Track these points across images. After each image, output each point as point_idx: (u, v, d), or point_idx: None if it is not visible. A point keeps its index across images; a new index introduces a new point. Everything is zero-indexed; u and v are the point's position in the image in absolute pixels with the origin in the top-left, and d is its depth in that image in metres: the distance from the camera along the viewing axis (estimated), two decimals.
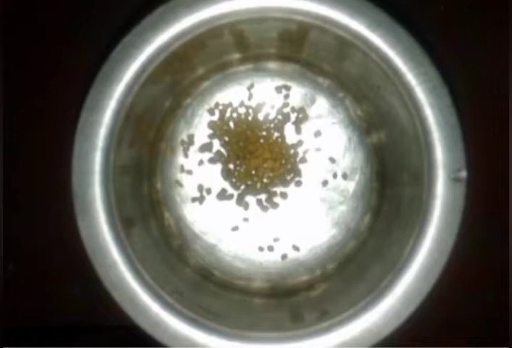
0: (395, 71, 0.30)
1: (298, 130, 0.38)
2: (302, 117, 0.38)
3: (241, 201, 0.38)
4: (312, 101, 0.38)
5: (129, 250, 0.31)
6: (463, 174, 0.29)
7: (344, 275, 0.36)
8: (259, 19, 0.33)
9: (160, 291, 0.31)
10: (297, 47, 0.35)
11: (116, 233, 0.31)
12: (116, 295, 0.30)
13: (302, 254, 0.38)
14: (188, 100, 0.38)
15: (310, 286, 0.37)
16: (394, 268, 0.30)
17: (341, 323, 0.31)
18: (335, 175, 0.38)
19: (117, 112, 0.32)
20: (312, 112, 0.38)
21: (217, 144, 0.38)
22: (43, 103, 0.39)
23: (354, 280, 0.35)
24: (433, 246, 0.30)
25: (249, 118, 0.38)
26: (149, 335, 0.30)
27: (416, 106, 0.31)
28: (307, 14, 0.31)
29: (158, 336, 0.30)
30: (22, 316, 0.37)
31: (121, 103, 0.32)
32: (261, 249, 0.38)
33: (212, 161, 0.38)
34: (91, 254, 0.30)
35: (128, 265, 0.31)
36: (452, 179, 0.29)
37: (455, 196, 0.30)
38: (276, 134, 0.38)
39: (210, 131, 0.38)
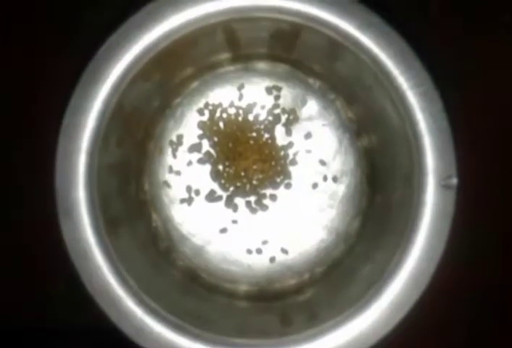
0: (386, 73, 0.30)
1: (288, 132, 0.37)
2: (292, 118, 0.37)
3: (230, 202, 0.38)
4: (303, 102, 0.37)
5: (113, 254, 0.30)
6: (454, 181, 0.29)
7: (333, 279, 0.36)
8: (250, 18, 0.32)
9: (144, 296, 0.30)
10: (288, 47, 0.35)
11: (100, 237, 0.30)
12: (99, 299, 0.30)
13: (291, 257, 0.37)
14: (178, 100, 0.38)
15: (298, 289, 0.37)
16: (383, 274, 0.30)
17: (329, 330, 0.31)
18: (325, 178, 0.37)
19: (103, 113, 0.31)
20: (302, 113, 0.37)
21: (206, 145, 0.38)
22: (28, 104, 0.38)
23: (342, 284, 0.34)
24: (422, 253, 0.30)
25: (239, 119, 0.37)
26: (132, 340, 0.30)
27: (407, 109, 0.30)
28: (297, 14, 0.31)
29: (142, 341, 0.30)
30: (1, 318, 0.37)
31: (106, 103, 0.31)
32: (249, 251, 0.37)
33: (201, 162, 0.38)
34: (74, 257, 0.30)
35: (111, 269, 0.30)
36: (443, 186, 0.29)
37: (445, 203, 0.29)
38: (266, 135, 0.37)
39: (200, 132, 0.38)
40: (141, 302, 0.30)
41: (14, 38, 0.38)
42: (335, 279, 0.36)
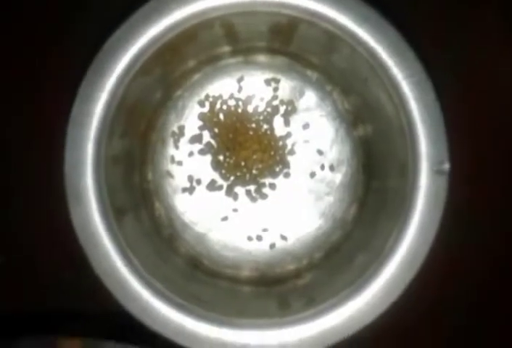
0: (381, 65, 0.31)
1: (287, 123, 0.39)
2: (290, 109, 0.38)
3: (230, 191, 0.39)
4: (301, 94, 0.38)
5: (121, 239, 0.31)
6: (446, 166, 0.30)
7: (331, 265, 0.37)
8: (249, 12, 0.33)
9: (150, 278, 0.32)
10: (286, 41, 0.36)
11: (108, 222, 0.31)
12: (107, 282, 0.31)
13: (290, 243, 0.39)
14: (179, 92, 0.39)
15: (297, 274, 0.38)
16: (378, 258, 0.31)
17: (326, 311, 0.32)
18: (322, 167, 0.39)
19: (109, 104, 0.32)
20: (300, 104, 0.38)
21: (207, 136, 0.39)
22: (36, 95, 0.39)
23: (340, 269, 0.36)
24: (416, 236, 0.31)
25: (239, 110, 0.39)
26: (139, 321, 0.31)
27: (401, 99, 0.31)
28: (296, 8, 0.32)
29: (148, 322, 0.31)
30: (11, 302, 0.38)
31: (113, 94, 0.32)
32: (250, 238, 0.39)
33: (202, 152, 0.39)
34: (83, 242, 0.31)
35: (119, 253, 0.31)
36: (436, 171, 0.30)
37: (438, 188, 0.31)
38: (265, 126, 0.39)
39: (200, 123, 0.39)
40: (148, 284, 0.31)
41: (20, 29, 0.39)
42: (333, 264, 0.37)
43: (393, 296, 0.31)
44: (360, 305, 0.31)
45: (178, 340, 0.31)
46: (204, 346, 0.31)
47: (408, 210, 0.31)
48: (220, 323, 0.31)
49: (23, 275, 0.39)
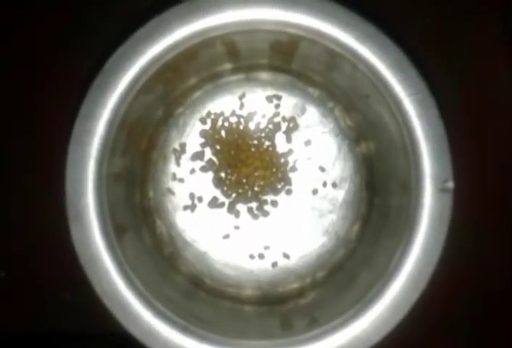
0: (384, 83, 0.31)
1: (288, 140, 0.38)
2: (292, 126, 0.38)
3: (232, 209, 0.38)
4: (303, 110, 0.38)
5: (121, 258, 0.31)
6: (450, 184, 0.30)
7: (334, 283, 0.36)
8: (251, 31, 0.33)
9: (152, 298, 0.31)
10: (288, 58, 0.36)
11: (109, 241, 0.31)
12: (108, 302, 0.30)
13: (293, 262, 0.38)
14: (180, 109, 0.39)
15: (300, 293, 0.37)
16: (383, 277, 0.31)
17: (331, 331, 0.31)
18: (325, 184, 0.38)
19: (111, 122, 0.32)
20: (302, 121, 0.38)
21: (208, 153, 0.39)
22: (37, 113, 0.39)
23: (343, 288, 0.35)
24: (420, 255, 0.31)
25: (241, 127, 0.38)
26: (140, 342, 0.30)
27: (404, 117, 0.31)
28: (298, 26, 0.32)
29: (149, 343, 0.30)
30: (11, 323, 0.38)
31: (115, 112, 0.32)
32: (252, 256, 0.38)
33: (203, 169, 0.39)
34: (83, 261, 0.30)
35: (120, 273, 0.31)
36: (440, 189, 0.30)
37: (443, 207, 0.30)
38: (267, 143, 0.38)
39: (202, 140, 0.39)
40: (149, 305, 0.31)
41: (22, 47, 0.39)
42: (336, 283, 0.36)
43: (399, 316, 0.31)
44: (364, 326, 0.31)
45: None
46: None
47: (412, 228, 0.31)
48: (222, 345, 0.31)
49: (22, 295, 0.38)
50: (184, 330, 0.31)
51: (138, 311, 0.31)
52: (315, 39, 0.32)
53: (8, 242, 0.39)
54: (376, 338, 0.30)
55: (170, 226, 0.38)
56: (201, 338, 0.31)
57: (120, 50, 0.31)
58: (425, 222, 0.30)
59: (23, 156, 0.39)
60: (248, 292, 0.38)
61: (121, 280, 0.31)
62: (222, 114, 0.39)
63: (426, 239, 0.30)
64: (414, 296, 0.30)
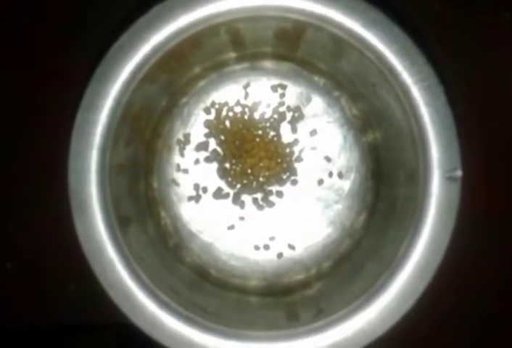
0: (391, 69, 0.31)
1: (294, 129, 0.38)
2: (297, 116, 0.38)
3: (237, 200, 0.38)
4: (308, 100, 0.38)
5: (125, 249, 0.31)
6: (458, 173, 0.29)
7: (340, 274, 0.36)
8: (255, 17, 0.33)
9: (156, 289, 0.31)
10: (293, 46, 0.36)
11: (112, 232, 0.31)
12: (112, 294, 0.30)
13: (298, 252, 0.38)
14: (185, 99, 0.38)
15: (305, 284, 0.37)
16: (389, 267, 0.30)
17: (336, 322, 0.31)
18: (330, 174, 0.38)
19: (114, 111, 0.32)
20: (307, 110, 0.38)
21: (213, 143, 0.38)
22: (40, 103, 0.39)
23: (349, 278, 0.35)
24: (428, 245, 0.30)
25: (245, 117, 0.38)
26: (145, 333, 0.30)
27: (412, 104, 0.31)
28: (302, 12, 0.32)
29: (155, 334, 0.30)
30: (16, 314, 0.38)
31: (117, 102, 0.32)
32: (257, 247, 0.38)
33: (208, 160, 0.38)
34: (87, 252, 0.30)
35: (124, 264, 0.31)
36: (447, 178, 0.29)
37: (450, 196, 0.30)
38: (272, 133, 0.38)
39: (206, 130, 0.38)
40: (153, 296, 0.31)
41: (25, 39, 0.39)
42: (342, 273, 0.36)
43: (405, 307, 0.30)
44: (370, 317, 0.30)
45: None
46: None
47: (420, 218, 0.31)
48: (227, 336, 0.31)
49: (27, 287, 0.38)
50: (189, 321, 0.30)
51: (142, 302, 0.31)
52: (321, 25, 0.31)
53: (13, 234, 0.38)
54: (382, 330, 0.30)
55: (175, 217, 0.38)
56: (206, 329, 0.31)
57: (122, 38, 0.31)
58: (432, 211, 0.30)
59: (27, 147, 0.39)
60: (253, 283, 0.38)
61: (125, 272, 0.31)
62: (226, 103, 0.38)
63: (433, 228, 0.30)
64: (421, 287, 0.30)
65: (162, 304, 0.31)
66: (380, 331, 0.31)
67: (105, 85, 0.31)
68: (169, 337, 0.30)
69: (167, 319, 0.30)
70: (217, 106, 0.38)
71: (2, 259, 0.38)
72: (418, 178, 0.32)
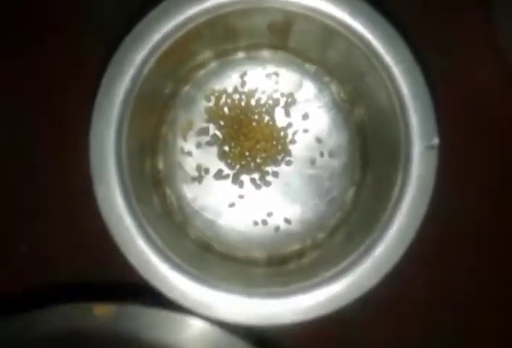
0: (375, 54, 0.34)
1: (287, 114, 0.42)
2: (290, 101, 0.42)
3: (236, 180, 0.42)
4: (300, 86, 0.41)
5: (141, 217, 0.34)
6: (435, 141, 0.33)
7: (333, 243, 0.40)
8: (249, 10, 0.36)
9: (169, 253, 0.34)
10: (284, 37, 0.39)
11: (129, 201, 0.34)
12: (131, 258, 0.33)
13: (293, 226, 0.41)
14: (187, 87, 0.42)
15: (301, 254, 0.41)
16: (376, 230, 0.34)
17: (325, 282, 0.34)
18: (322, 154, 0.42)
19: (129, 95, 0.35)
20: (300, 96, 0.42)
21: (213, 128, 0.42)
22: (56, 90, 0.42)
23: (342, 246, 0.38)
24: (410, 208, 0.34)
25: (242, 103, 0.42)
26: (159, 292, 0.33)
27: (394, 85, 0.35)
28: (293, 4, 0.35)
29: (168, 293, 0.33)
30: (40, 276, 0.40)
31: (132, 87, 0.35)
32: (256, 223, 0.41)
33: (209, 143, 0.42)
34: (106, 218, 0.33)
35: (139, 230, 0.34)
36: (426, 146, 0.33)
37: (430, 162, 0.34)
38: (267, 117, 0.42)
39: (207, 116, 0.42)
40: (167, 259, 0.34)
41: (42, 26, 0.42)
42: (335, 242, 0.40)
43: (388, 266, 0.34)
44: (356, 276, 0.34)
45: (189, 306, 0.33)
46: (219, 314, 0.33)
47: (402, 186, 0.34)
48: (235, 293, 0.34)
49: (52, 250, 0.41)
50: (200, 280, 0.34)
51: (157, 264, 0.34)
52: (310, 15, 0.35)
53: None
54: (366, 288, 0.33)
55: (180, 196, 0.41)
56: (214, 287, 0.34)
57: (136, 29, 0.35)
58: (414, 178, 0.34)
59: (45, 126, 0.42)
60: (254, 255, 0.41)
61: (140, 236, 0.34)
62: (225, 91, 0.42)
63: (414, 194, 0.34)
64: (403, 248, 0.33)
65: (175, 266, 0.34)
66: (365, 289, 0.34)
67: (120, 73, 0.35)
68: (181, 295, 0.33)
69: (180, 279, 0.34)
70: (216, 93, 0.42)
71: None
72: (400, 151, 0.35)
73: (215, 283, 0.34)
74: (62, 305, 0.30)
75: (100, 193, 0.33)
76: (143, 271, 0.33)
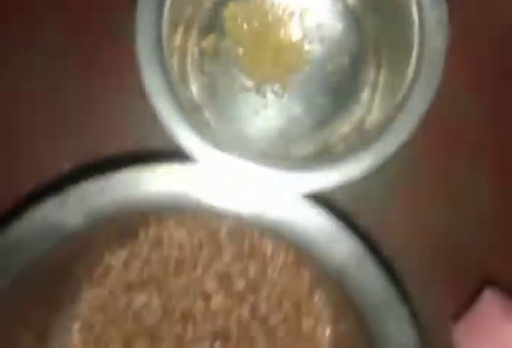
0: None
1: (302, 25, 0.45)
2: (305, 12, 0.45)
3: (259, 90, 0.45)
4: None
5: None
6: (445, 18, 0.36)
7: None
8: None
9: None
10: None
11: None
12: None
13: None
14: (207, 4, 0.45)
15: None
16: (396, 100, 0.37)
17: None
18: (338, 61, 0.45)
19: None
20: (314, 7, 0.45)
21: (236, 46, 0.45)
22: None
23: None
24: (422, 85, 0.37)
25: (261, 17, 0.45)
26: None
27: None
28: None
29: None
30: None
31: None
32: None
33: (231, 60, 0.45)
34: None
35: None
36: (436, 22, 0.36)
37: (441, 36, 0.37)
38: (284, 29, 0.45)
39: (229, 35, 0.45)
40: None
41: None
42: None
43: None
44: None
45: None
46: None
47: (418, 61, 0.37)
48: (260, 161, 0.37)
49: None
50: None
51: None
52: None
53: None
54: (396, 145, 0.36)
55: None
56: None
57: None
58: (428, 54, 0.37)
59: None
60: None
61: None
62: (243, 6, 0.45)
63: (428, 65, 0.37)
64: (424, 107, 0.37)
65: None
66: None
67: None
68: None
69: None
70: (234, 9, 0.45)
71: None
72: (412, 40, 0.38)
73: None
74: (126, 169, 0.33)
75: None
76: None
